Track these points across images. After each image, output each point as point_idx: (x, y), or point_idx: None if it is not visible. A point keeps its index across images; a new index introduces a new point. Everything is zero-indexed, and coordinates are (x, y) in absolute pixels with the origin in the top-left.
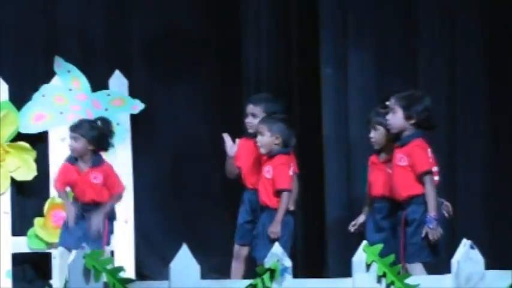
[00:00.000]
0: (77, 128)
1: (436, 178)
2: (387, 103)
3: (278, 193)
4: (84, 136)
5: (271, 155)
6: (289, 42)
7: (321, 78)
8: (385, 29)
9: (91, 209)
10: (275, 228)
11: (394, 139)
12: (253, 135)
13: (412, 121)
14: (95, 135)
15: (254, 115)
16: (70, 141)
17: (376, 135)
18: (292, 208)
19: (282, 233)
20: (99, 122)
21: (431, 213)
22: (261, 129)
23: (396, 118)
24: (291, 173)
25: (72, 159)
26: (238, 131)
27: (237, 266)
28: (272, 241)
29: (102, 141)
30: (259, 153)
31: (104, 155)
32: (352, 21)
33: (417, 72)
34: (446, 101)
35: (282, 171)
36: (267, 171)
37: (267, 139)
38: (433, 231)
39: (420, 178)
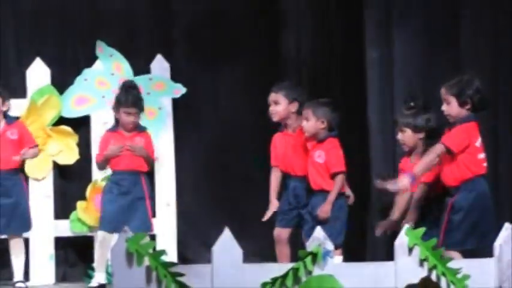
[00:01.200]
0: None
1: (485, 165)
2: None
3: (333, 176)
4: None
5: (320, 140)
6: (332, 26)
7: (366, 62)
8: (430, 10)
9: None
10: (326, 208)
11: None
12: (278, 124)
13: (468, 106)
14: None
15: (276, 102)
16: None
17: (404, 137)
18: (347, 191)
19: (338, 216)
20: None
21: None
22: (306, 114)
23: (452, 108)
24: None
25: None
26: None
27: (282, 249)
28: (329, 224)
29: None
30: (294, 141)
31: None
32: (396, 2)
33: (461, 54)
34: (490, 83)
35: (335, 154)
36: (318, 155)
37: (312, 124)
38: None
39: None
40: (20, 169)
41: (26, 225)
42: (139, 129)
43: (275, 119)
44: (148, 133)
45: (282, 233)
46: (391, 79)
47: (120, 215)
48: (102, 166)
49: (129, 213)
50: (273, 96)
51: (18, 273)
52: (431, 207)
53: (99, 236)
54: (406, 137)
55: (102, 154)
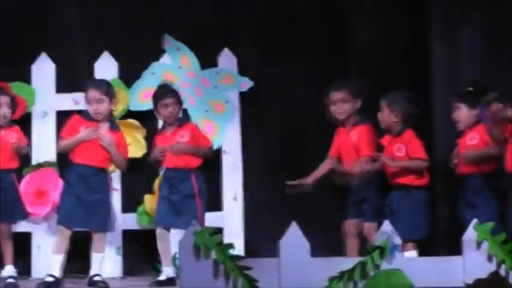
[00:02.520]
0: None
1: None
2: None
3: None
4: None
5: (397, 134)
6: (398, 20)
7: (431, 58)
8: (496, 5)
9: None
10: (386, 160)
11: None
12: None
13: None
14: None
15: (343, 101)
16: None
17: (459, 114)
18: (426, 183)
19: (416, 210)
20: None
21: None
22: (381, 105)
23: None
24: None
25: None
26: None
27: (351, 243)
28: (408, 218)
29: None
30: (355, 139)
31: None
32: None
33: None
34: None
35: (415, 145)
36: (398, 149)
37: (386, 116)
38: None
39: None
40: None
41: (105, 224)
42: (181, 122)
43: (340, 117)
44: (192, 123)
45: (350, 227)
46: (457, 75)
47: (170, 213)
48: (155, 166)
49: (179, 211)
50: (336, 95)
51: (95, 267)
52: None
53: (157, 231)
54: (461, 114)
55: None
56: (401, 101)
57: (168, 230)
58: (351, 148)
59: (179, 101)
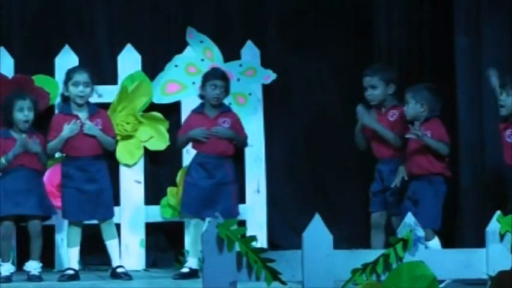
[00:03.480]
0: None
1: None
2: None
3: (437, 159)
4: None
5: (423, 122)
6: (422, 12)
7: (455, 48)
8: None
9: None
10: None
11: None
12: (377, 107)
13: None
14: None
15: (374, 87)
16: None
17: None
18: (448, 174)
19: (436, 200)
20: None
21: None
22: (406, 98)
23: None
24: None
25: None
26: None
27: (377, 235)
28: (429, 208)
29: None
30: (384, 122)
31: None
32: None
33: None
34: None
35: (441, 130)
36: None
37: (412, 107)
38: None
39: None
40: (104, 155)
41: (111, 212)
42: (225, 109)
43: (374, 103)
44: (235, 113)
45: (378, 219)
46: (480, 66)
47: (202, 199)
48: (182, 145)
49: (213, 197)
50: (368, 80)
51: (115, 257)
52: None
53: (193, 221)
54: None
55: (184, 131)
56: (426, 92)
57: (203, 219)
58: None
59: (227, 88)
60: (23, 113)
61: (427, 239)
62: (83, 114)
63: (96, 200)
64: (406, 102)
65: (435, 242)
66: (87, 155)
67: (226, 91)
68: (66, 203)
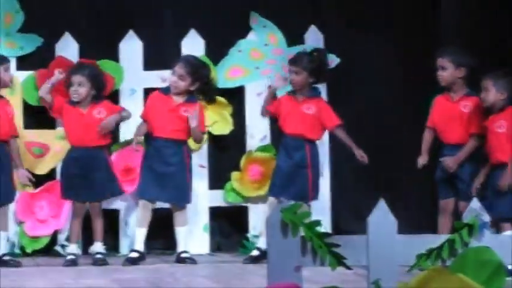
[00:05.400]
0: (297, 62)
1: None
2: None
3: None
4: (305, 69)
5: (499, 110)
6: None
7: None
8: None
9: None
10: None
11: None
12: (444, 89)
13: None
14: (315, 67)
15: (443, 68)
16: (290, 74)
17: None
18: None
19: None
20: (315, 54)
21: None
22: (486, 85)
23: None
24: None
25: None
26: (432, 84)
27: (443, 221)
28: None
29: (321, 72)
30: (455, 110)
31: None
32: None
33: None
34: None
35: None
36: (499, 126)
37: (492, 95)
38: None
39: None
40: (184, 141)
41: (186, 198)
42: (311, 93)
43: (442, 84)
44: (323, 99)
45: (446, 205)
46: None
47: (280, 180)
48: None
49: (289, 179)
50: (439, 61)
51: (181, 243)
52: None
53: (270, 200)
54: None
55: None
56: (506, 79)
57: (279, 200)
58: (457, 118)
59: (309, 72)
60: (73, 87)
61: (504, 229)
62: (178, 99)
63: (168, 182)
64: (485, 89)
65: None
66: (168, 137)
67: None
68: (141, 181)
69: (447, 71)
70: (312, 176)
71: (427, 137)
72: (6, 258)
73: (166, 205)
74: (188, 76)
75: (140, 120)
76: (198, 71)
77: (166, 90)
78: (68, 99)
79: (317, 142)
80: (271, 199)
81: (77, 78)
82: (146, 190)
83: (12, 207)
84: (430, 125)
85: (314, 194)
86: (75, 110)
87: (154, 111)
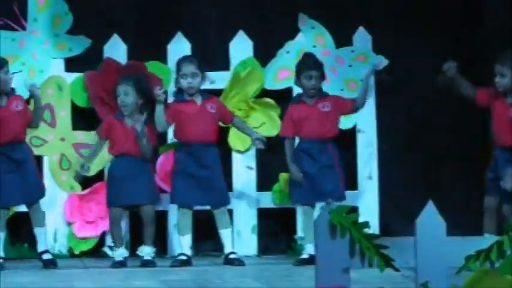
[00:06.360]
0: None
1: None
2: None
3: None
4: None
5: None
6: None
7: None
8: None
9: None
10: None
11: None
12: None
13: None
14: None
15: (502, 75)
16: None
17: None
18: None
19: None
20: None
21: None
22: (501, 70)
23: None
24: None
25: None
26: (480, 86)
27: (489, 219)
28: None
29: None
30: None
31: None
32: None
33: None
34: None
35: None
36: None
37: (508, 79)
38: None
39: None
40: (216, 142)
41: (225, 199)
42: (323, 94)
43: (500, 89)
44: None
45: (489, 201)
46: None
47: (307, 185)
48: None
49: (318, 181)
50: (498, 68)
51: (228, 244)
52: None
53: (302, 209)
54: None
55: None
56: None
57: (312, 206)
58: (509, 123)
59: (323, 75)
60: (120, 97)
61: None
62: (198, 100)
63: (207, 186)
64: (499, 75)
65: None
66: (200, 140)
67: (322, 78)
68: (174, 187)
69: (506, 77)
70: (340, 175)
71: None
72: (46, 257)
73: (209, 207)
74: (199, 72)
75: None
76: (201, 66)
77: (181, 97)
78: (115, 113)
79: (366, 145)
80: (305, 208)
81: (122, 88)
82: (181, 196)
83: (60, 208)
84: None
85: (344, 192)
86: (120, 125)
87: (180, 117)
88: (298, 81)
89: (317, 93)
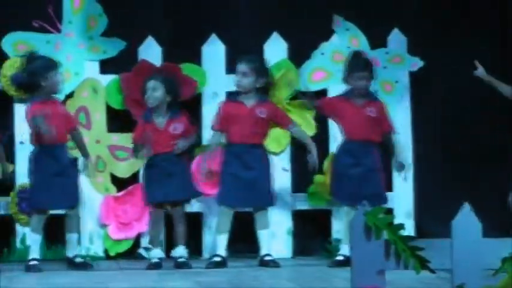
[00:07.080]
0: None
1: None
2: None
3: None
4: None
5: None
6: None
7: None
8: None
9: None
10: None
11: None
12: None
13: None
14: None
15: None
16: (361, 80)
17: None
18: None
19: None
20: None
21: None
22: None
23: None
24: None
25: None
26: None
27: None
28: None
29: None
30: None
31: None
32: None
33: None
34: None
35: None
36: None
37: None
38: None
39: None
40: (262, 144)
41: (266, 200)
42: (372, 97)
43: None
44: (382, 102)
45: None
46: None
47: (351, 186)
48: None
49: (361, 184)
50: None
51: (264, 246)
52: None
53: (345, 208)
54: None
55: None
56: None
57: (354, 207)
58: None
59: (372, 75)
60: (147, 92)
61: None
62: (249, 102)
63: (251, 187)
64: None
65: None
66: (247, 142)
67: (372, 78)
68: (221, 188)
69: None
70: (382, 179)
71: None
72: (78, 260)
73: (247, 208)
74: (251, 73)
75: None
76: (261, 67)
77: (234, 97)
78: (143, 114)
79: (403, 147)
80: (347, 209)
81: (151, 84)
82: (228, 197)
83: (96, 210)
84: None
85: (386, 195)
86: (151, 126)
87: (230, 120)
88: (347, 80)
89: (366, 94)
